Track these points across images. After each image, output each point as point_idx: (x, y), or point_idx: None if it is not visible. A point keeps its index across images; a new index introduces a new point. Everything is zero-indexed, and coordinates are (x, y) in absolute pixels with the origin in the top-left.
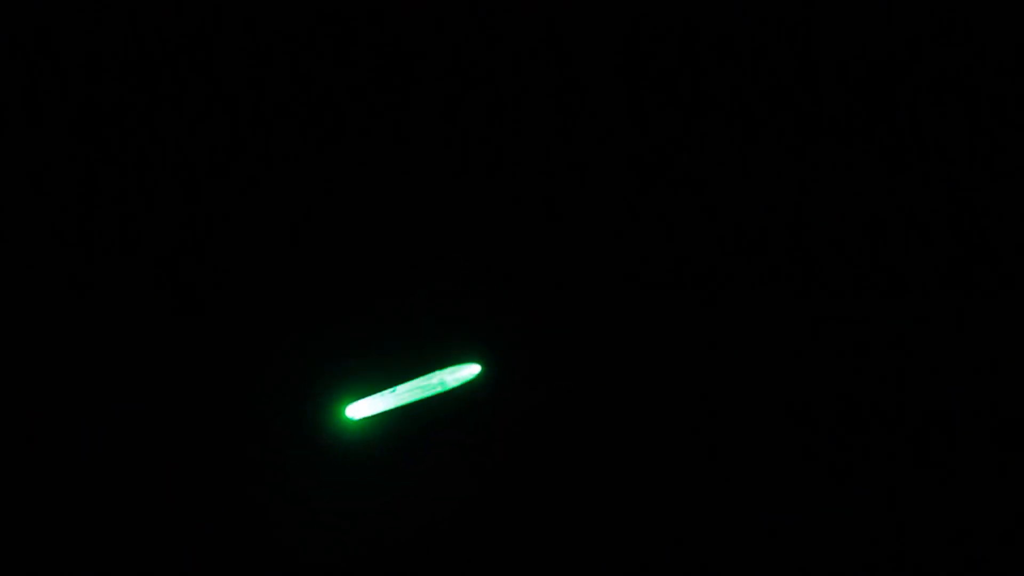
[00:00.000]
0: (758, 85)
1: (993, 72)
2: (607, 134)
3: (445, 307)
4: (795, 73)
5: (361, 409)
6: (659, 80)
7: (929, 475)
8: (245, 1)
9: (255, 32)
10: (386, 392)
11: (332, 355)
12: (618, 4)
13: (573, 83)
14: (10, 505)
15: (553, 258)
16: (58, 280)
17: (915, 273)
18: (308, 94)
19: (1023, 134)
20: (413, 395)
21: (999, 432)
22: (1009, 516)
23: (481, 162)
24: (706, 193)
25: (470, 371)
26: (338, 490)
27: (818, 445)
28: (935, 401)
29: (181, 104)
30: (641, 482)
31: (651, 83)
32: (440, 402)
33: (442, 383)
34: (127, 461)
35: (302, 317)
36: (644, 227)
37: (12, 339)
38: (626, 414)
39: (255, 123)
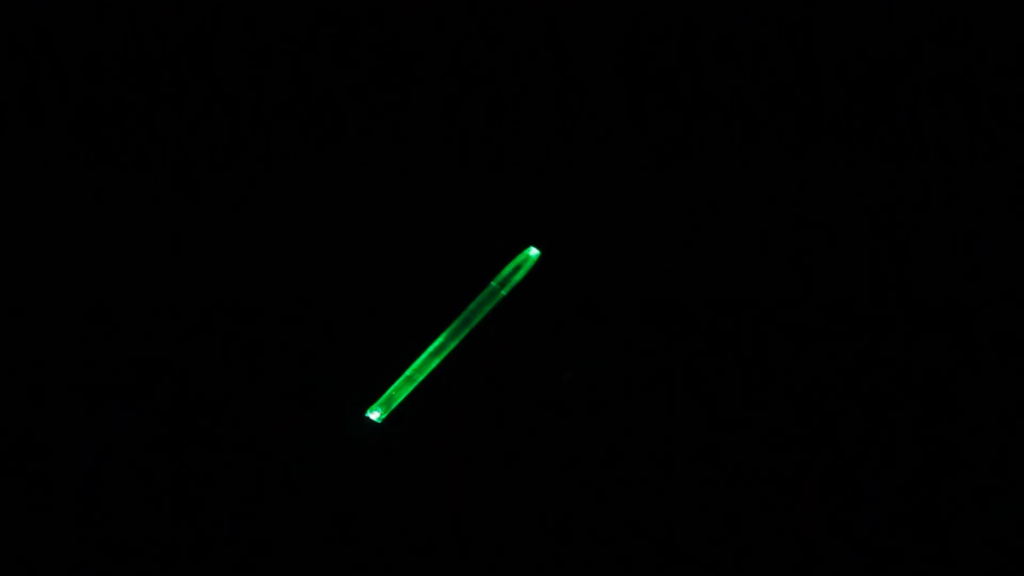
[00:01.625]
0: (758, 85)
1: (993, 72)
2: (608, 134)
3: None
4: (795, 73)
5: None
6: (660, 80)
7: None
8: (245, 1)
9: (255, 32)
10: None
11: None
12: (618, 4)
13: (573, 83)
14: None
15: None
16: (61, 281)
17: (916, 274)
18: (308, 94)
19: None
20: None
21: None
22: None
23: (482, 161)
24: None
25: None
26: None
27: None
28: (935, 403)
29: (181, 104)
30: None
31: (651, 83)
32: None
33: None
34: (142, 472)
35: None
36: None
37: (14, 343)
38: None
39: (255, 123)
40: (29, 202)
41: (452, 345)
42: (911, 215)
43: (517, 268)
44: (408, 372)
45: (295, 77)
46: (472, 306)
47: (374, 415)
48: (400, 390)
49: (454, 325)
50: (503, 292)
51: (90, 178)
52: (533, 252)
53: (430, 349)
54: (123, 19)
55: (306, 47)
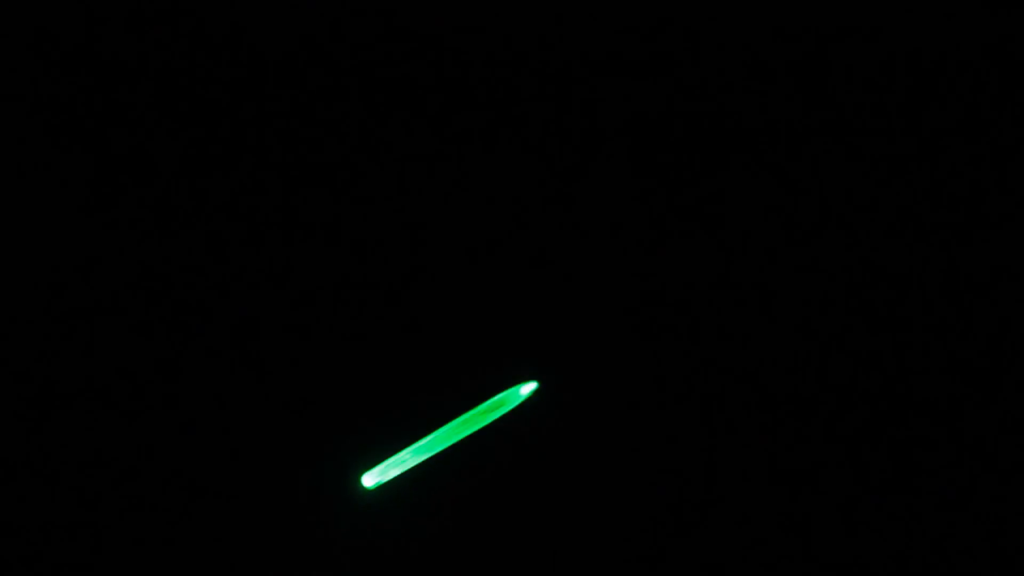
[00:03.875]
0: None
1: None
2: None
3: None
4: (797, 74)
5: (377, 475)
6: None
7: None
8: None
9: (255, 32)
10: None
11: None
12: (620, 5)
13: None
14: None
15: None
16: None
17: (917, 275)
18: (307, 94)
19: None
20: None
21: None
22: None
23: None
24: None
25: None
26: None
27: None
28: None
29: (181, 104)
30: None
31: (655, 85)
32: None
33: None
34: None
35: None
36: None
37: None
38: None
39: (255, 124)
40: (27, 203)
41: (443, 447)
42: (908, 215)
43: (504, 401)
44: (404, 454)
45: (294, 77)
46: (461, 421)
47: (368, 480)
48: (394, 466)
49: (443, 432)
50: (490, 419)
51: (88, 181)
52: (524, 390)
53: (427, 441)
54: (123, 19)
55: (306, 46)
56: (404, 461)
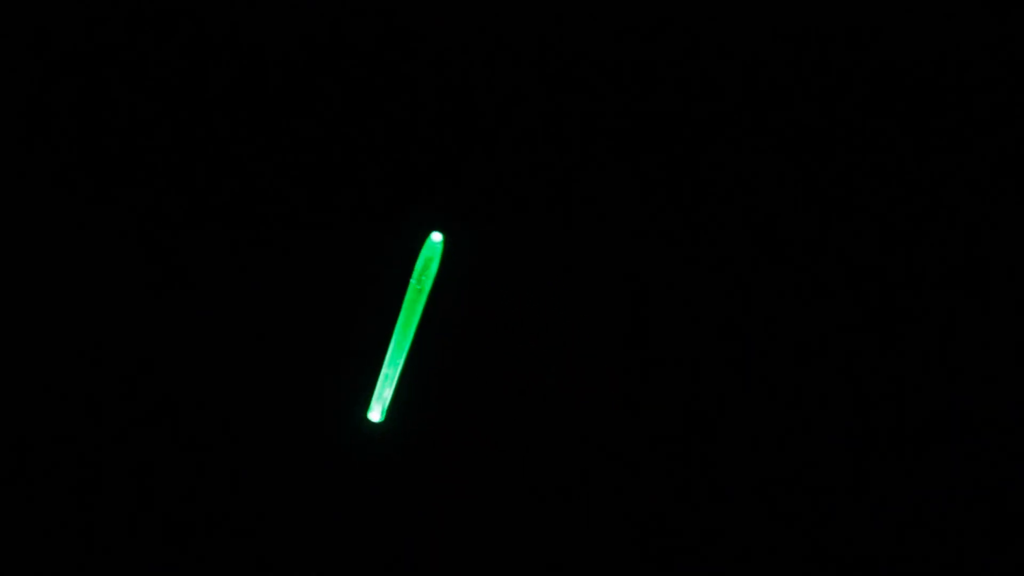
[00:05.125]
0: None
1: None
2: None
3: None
4: (798, 76)
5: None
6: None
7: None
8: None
9: (253, 32)
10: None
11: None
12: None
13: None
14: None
15: None
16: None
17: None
18: (306, 94)
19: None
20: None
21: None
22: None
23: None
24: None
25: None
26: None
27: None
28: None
29: (179, 104)
30: None
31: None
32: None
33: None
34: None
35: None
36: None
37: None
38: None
39: (254, 123)
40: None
41: (408, 342)
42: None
43: (428, 261)
44: (384, 371)
45: (294, 76)
46: (405, 309)
47: (374, 415)
48: (384, 387)
49: (398, 330)
50: (427, 287)
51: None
52: (436, 238)
53: (392, 348)
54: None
55: (306, 45)
56: (388, 376)
